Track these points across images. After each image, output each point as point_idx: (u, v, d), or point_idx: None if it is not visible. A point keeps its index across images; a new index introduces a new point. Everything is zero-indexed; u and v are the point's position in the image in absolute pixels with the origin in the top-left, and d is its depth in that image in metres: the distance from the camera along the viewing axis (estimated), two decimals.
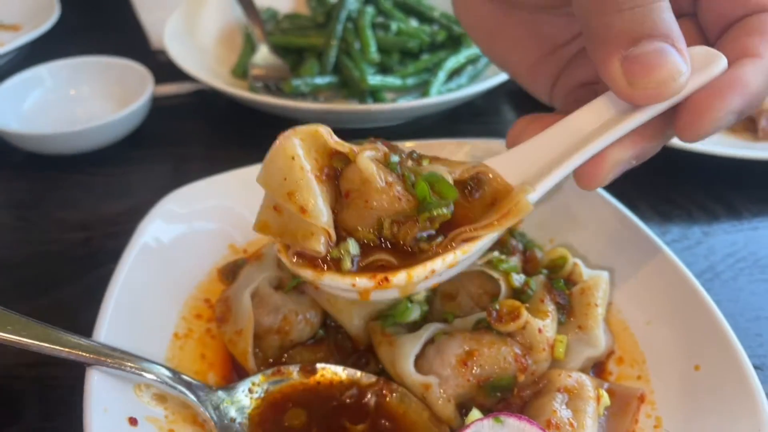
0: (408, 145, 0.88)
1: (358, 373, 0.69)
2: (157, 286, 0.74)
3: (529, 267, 0.77)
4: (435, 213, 0.51)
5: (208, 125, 1.23)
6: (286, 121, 1.13)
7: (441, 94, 1.14)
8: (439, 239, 0.52)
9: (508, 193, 0.54)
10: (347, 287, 0.50)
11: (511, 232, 0.84)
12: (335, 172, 0.53)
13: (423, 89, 1.19)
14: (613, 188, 0.88)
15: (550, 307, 0.69)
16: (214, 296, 0.77)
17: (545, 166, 0.54)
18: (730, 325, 0.67)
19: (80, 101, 1.17)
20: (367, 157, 0.52)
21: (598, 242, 0.81)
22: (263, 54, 1.24)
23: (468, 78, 1.24)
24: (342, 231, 0.52)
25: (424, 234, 0.51)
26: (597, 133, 0.53)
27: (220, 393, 0.65)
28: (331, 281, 0.50)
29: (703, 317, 0.69)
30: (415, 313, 0.71)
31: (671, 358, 0.69)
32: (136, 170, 1.08)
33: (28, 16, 1.50)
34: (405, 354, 0.66)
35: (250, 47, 1.29)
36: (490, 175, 0.55)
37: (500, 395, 0.65)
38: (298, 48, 1.30)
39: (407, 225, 0.51)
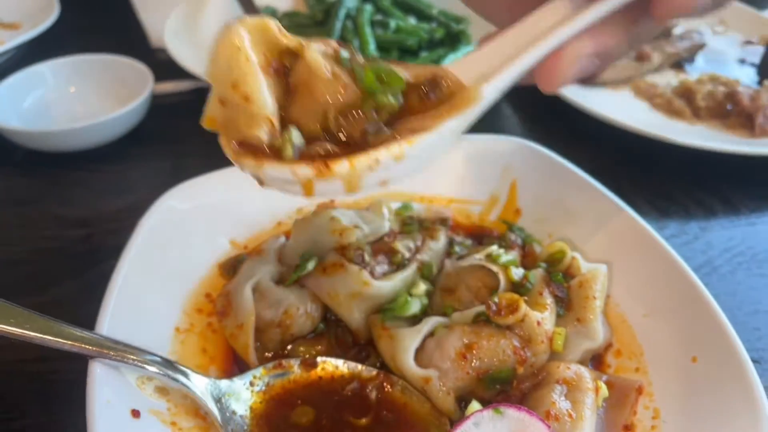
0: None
1: (359, 367, 0.70)
2: (159, 281, 0.74)
3: (527, 261, 0.78)
4: (380, 100, 0.49)
5: None
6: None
7: None
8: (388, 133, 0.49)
9: (462, 90, 0.51)
10: (288, 177, 0.47)
11: (509, 226, 0.85)
12: (284, 68, 0.51)
13: None
14: (611, 184, 0.90)
15: (549, 300, 0.70)
16: (215, 291, 0.78)
17: (502, 63, 0.52)
18: (728, 319, 0.68)
19: (80, 99, 1.18)
20: (316, 50, 0.50)
21: (596, 236, 0.82)
22: None
23: None
24: (288, 124, 0.50)
25: (372, 128, 0.49)
26: (555, 28, 0.52)
27: (222, 386, 0.65)
28: (272, 170, 0.47)
29: (701, 310, 0.69)
30: (414, 307, 0.72)
31: (669, 350, 0.70)
32: (135, 167, 1.09)
33: (27, 14, 1.50)
34: (405, 347, 0.67)
35: None
36: (448, 77, 0.52)
37: (500, 387, 0.66)
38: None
39: (353, 117, 0.49)
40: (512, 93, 1.40)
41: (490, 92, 0.50)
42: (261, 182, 0.51)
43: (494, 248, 0.75)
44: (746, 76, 1.39)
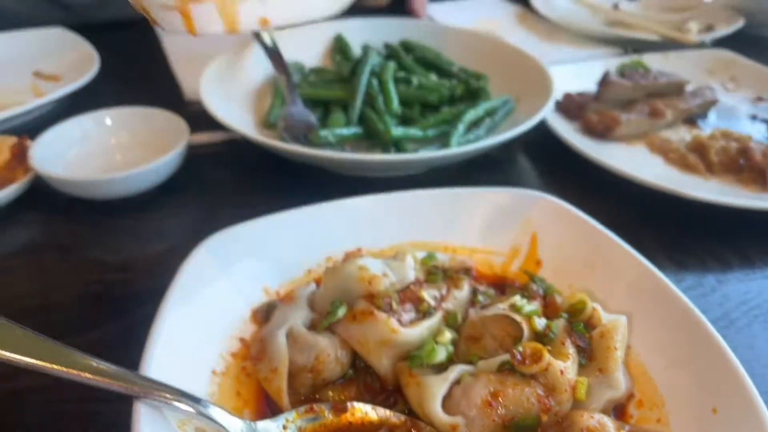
0: (426, 192, 0.95)
1: (388, 413, 0.72)
2: (197, 325, 0.78)
3: (549, 311, 0.81)
4: None
5: (239, 172, 1.29)
6: (314, 169, 1.19)
7: (461, 145, 1.20)
8: None
9: None
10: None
11: (531, 277, 0.88)
12: None
13: (443, 140, 1.25)
14: (629, 236, 0.93)
15: (571, 350, 0.73)
16: (248, 336, 0.81)
17: None
18: (746, 371, 0.70)
19: (120, 148, 1.24)
20: None
21: (615, 288, 0.84)
22: (293, 106, 1.30)
23: (486, 129, 1.30)
24: None
25: None
26: None
27: (258, 428, 0.68)
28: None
29: (720, 362, 0.71)
30: (441, 355, 0.75)
31: (690, 401, 0.71)
32: (171, 215, 1.14)
33: (68, 67, 1.60)
34: (433, 395, 0.70)
35: (280, 99, 1.37)
36: None
37: None
38: (325, 100, 1.38)
39: None
40: (530, 147, 1.46)
41: None
42: (150, 19, 0.54)
43: (517, 298, 0.78)
44: (758, 132, 1.44)
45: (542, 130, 1.31)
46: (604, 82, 1.38)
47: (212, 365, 0.76)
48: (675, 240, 1.13)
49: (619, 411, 0.75)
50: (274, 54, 1.48)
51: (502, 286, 0.89)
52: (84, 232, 1.08)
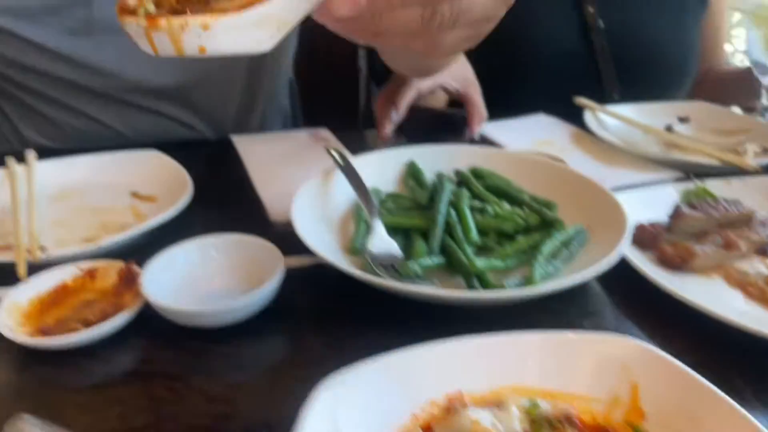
0: (527, 335, 0.99)
1: None
2: None
3: None
4: None
5: (326, 299, 1.35)
6: (402, 300, 1.24)
7: (544, 279, 1.25)
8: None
9: None
10: (135, 27, 0.64)
11: (636, 429, 0.89)
12: None
13: (523, 270, 1.30)
14: (718, 378, 0.93)
15: None
16: None
17: None
18: None
19: (220, 275, 1.32)
20: None
21: None
22: (377, 234, 1.38)
23: (563, 261, 1.34)
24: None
25: (195, 7, 0.64)
26: None
27: None
28: (127, 22, 0.65)
29: None
30: None
31: None
32: (268, 341, 1.19)
33: (162, 187, 1.72)
34: None
35: (363, 225, 1.45)
36: None
37: None
38: (405, 228, 1.45)
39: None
40: (603, 274, 1.48)
41: (280, 1, 0.64)
42: (129, 36, 0.67)
43: None
44: None
45: None
46: (676, 215, 1.43)
47: None
48: (765, 380, 1.12)
49: None
50: (350, 173, 1.58)
51: None
52: (188, 360, 1.13)
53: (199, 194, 1.73)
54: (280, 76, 2.51)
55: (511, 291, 1.21)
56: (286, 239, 1.38)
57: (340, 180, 1.60)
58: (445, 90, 2.32)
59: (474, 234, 1.37)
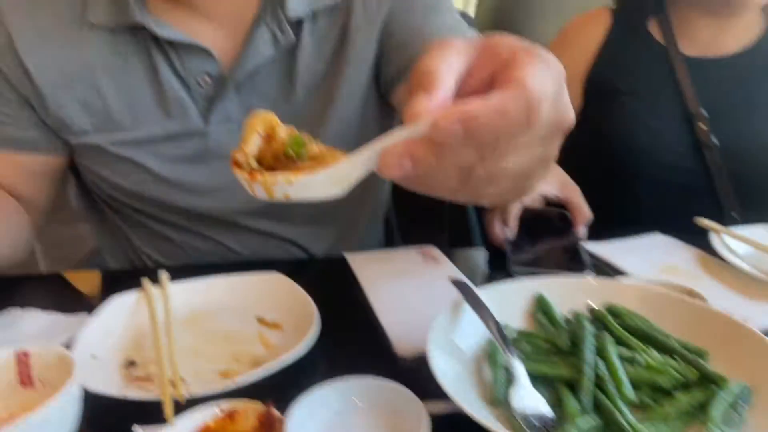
0: None
1: None
2: None
3: None
4: (290, 153, 0.88)
5: None
6: None
7: None
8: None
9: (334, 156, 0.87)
10: (241, 178, 0.87)
11: None
12: (269, 135, 0.92)
13: None
14: None
15: None
16: None
17: (360, 151, 0.81)
18: None
19: (361, 419, 1.28)
20: (282, 128, 0.93)
21: None
22: (521, 385, 1.31)
23: (734, 428, 1.22)
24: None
25: (282, 165, 0.89)
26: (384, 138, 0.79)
27: None
28: (236, 172, 0.88)
29: None
30: None
31: None
32: None
33: (288, 315, 1.73)
34: None
35: (503, 373, 1.38)
36: (326, 152, 0.89)
37: None
38: (546, 376, 1.37)
39: (280, 159, 0.89)
40: None
41: (348, 162, 0.82)
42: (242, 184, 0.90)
43: None
44: None
45: None
46: None
47: None
48: None
49: None
50: (479, 308, 1.54)
51: None
52: None
53: (321, 318, 1.76)
54: (383, 191, 2.56)
55: None
56: (417, 377, 1.33)
57: (469, 314, 1.56)
58: (545, 197, 2.28)
59: (628, 390, 1.28)
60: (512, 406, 1.26)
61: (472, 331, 1.54)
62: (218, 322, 1.72)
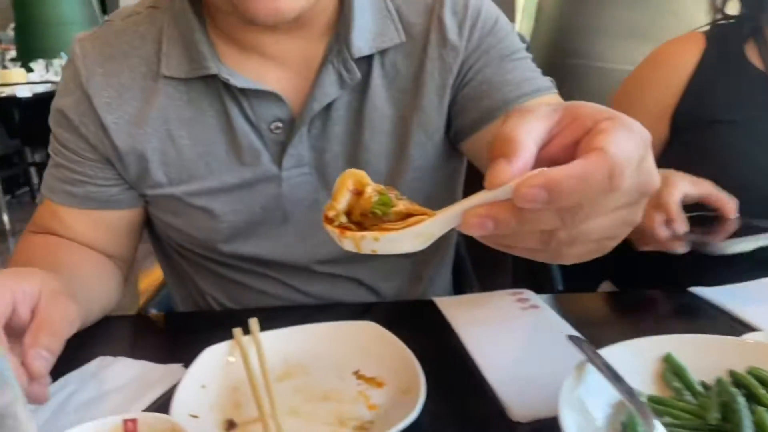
0: None
1: None
2: None
3: None
4: (376, 211, 0.91)
5: None
6: None
7: None
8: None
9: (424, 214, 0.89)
10: (332, 233, 0.93)
11: None
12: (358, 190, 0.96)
13: None
14: None
15: None
16: None
17: (443, 212, 0.86)
18: None
19: None
20: (370, 187, 0.96)
21: None
22: None
23: None
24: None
25: (369, 222, 0.94)
26: (468, 200, 0.83)
27: None
28: (327, 228, 0.93)
29: None
30: None
31: None
32: None
33: (387, 370, 1.62)
34: None
35: None
36: (417, 211, 0.91)
37: None
38: None
39: (366, 216, 0.93)
40: None
41: (432, 221, 0.86)
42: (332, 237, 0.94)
43: None
44: None
45: None
46: None
47: None
48: None
49: None
50: (607, 371, 1.39)
51: None
52: None
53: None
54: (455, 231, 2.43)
55: None
56: None
57: (593, 375, 1.42)
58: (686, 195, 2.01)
59: None
60: None
61: (599, 396, 1.40)
62: (314, 377, 1.62)
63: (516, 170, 0.75)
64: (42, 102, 8.76)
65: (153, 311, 2.51)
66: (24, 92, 8.68)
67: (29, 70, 11.01)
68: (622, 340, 1.57)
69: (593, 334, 1.67)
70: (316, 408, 1.50)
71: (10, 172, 9.46)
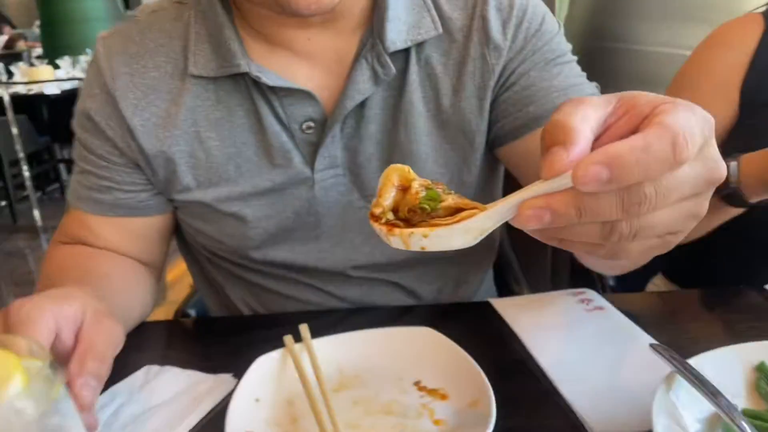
0: None
1: None
2: None
3: None
4: (425, 207, 0.87)
5: None
6: None
7: None
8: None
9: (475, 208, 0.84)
10: (378, 231, 0.89)
11: None
12: (404, 186, 0.92)
13: None
14: None
15: None
16: None
17: (495, 204, 0.81)
18: None
19: None
20: (417, 181, 0.92)
21: None
22: None
23: None
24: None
25: (417, 218, 0.88)
26: (523, 191, 0.77)
27: None
28: (374, 226, 0.89)
29: None
30: None
31: None
32: None
33: (449, 379, 1.52)
34: None
35: None
36: (467, 206, 0.85)
37: None
38: None
39: (413, 212, 0.88)
40: None
41: (483, 215, 0.81)
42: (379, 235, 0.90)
43: None
44: None
45: None
46: None
47: None
48: None
49: None
50: (698, 382, 1.28)
51: None
52: None
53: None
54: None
55: None
56: None
57: (682, 387, 1.30)
58: None
59: None
60: None
61: (691, 409, 1.28)
62: (372, 388, 1.52)
63: (574, 158, 0.70)
64: (70, 98, 8.85)
65: (191, 314, 2.45)
66: (52, 89, 8.73)
67: (56, 66, 11.09)
68: (702, 345, 1.44)
69: (670, 341, 1.54)
70: (377, 422, 1.40)
71: (40, 169, 9.54)
